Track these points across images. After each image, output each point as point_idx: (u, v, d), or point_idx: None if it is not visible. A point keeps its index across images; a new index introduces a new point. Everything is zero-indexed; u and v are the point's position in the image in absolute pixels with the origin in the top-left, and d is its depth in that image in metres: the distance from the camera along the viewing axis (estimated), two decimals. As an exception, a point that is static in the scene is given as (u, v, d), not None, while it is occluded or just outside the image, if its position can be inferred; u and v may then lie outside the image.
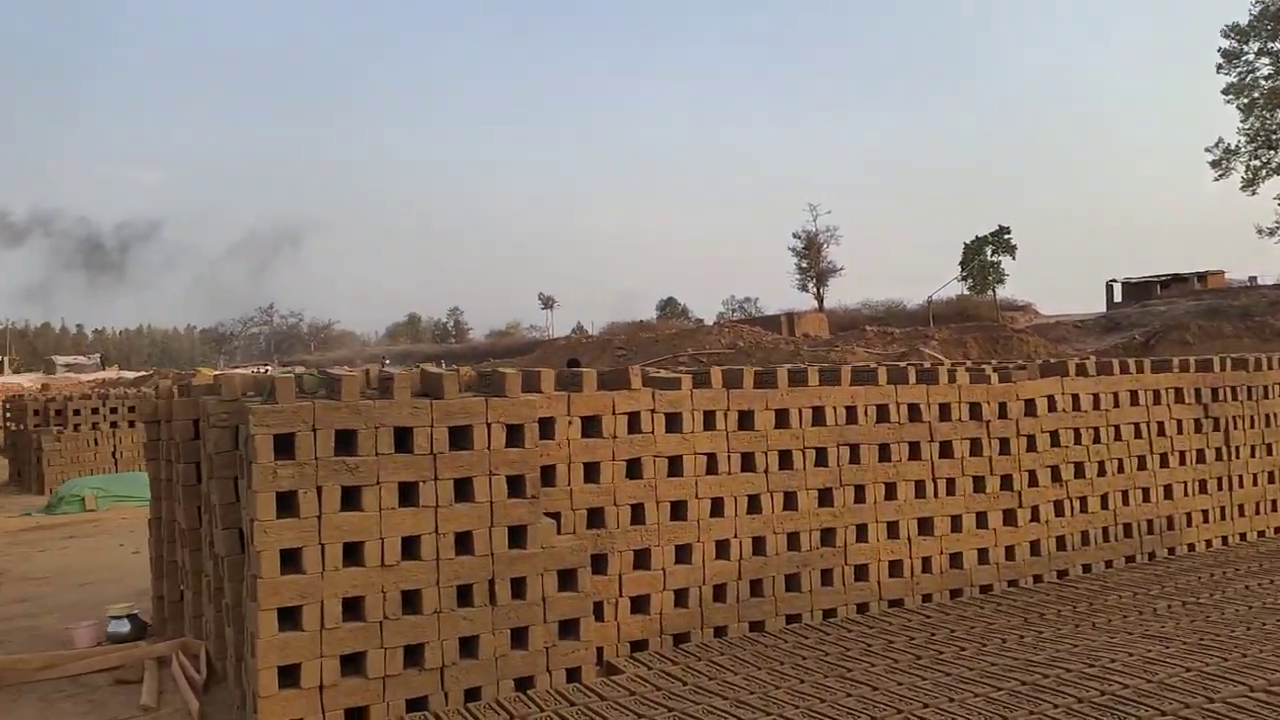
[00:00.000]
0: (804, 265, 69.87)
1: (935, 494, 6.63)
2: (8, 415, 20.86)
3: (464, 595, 4.79)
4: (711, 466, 5.93)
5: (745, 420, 6.09)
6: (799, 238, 70.15)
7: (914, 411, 6.64)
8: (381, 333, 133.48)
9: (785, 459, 6.17)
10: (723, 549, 5.91)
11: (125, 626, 6.24)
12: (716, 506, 5.92)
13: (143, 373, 57.81)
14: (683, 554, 5.79)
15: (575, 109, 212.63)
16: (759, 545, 6.03)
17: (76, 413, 17.41)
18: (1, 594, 8.21)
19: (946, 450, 6.71)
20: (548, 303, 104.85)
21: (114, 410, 17.73)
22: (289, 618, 4.42)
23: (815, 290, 69.45)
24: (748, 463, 6.05)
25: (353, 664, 4.54)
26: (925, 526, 6.59)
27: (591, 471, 5.57)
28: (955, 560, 6.65)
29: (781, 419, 6.19)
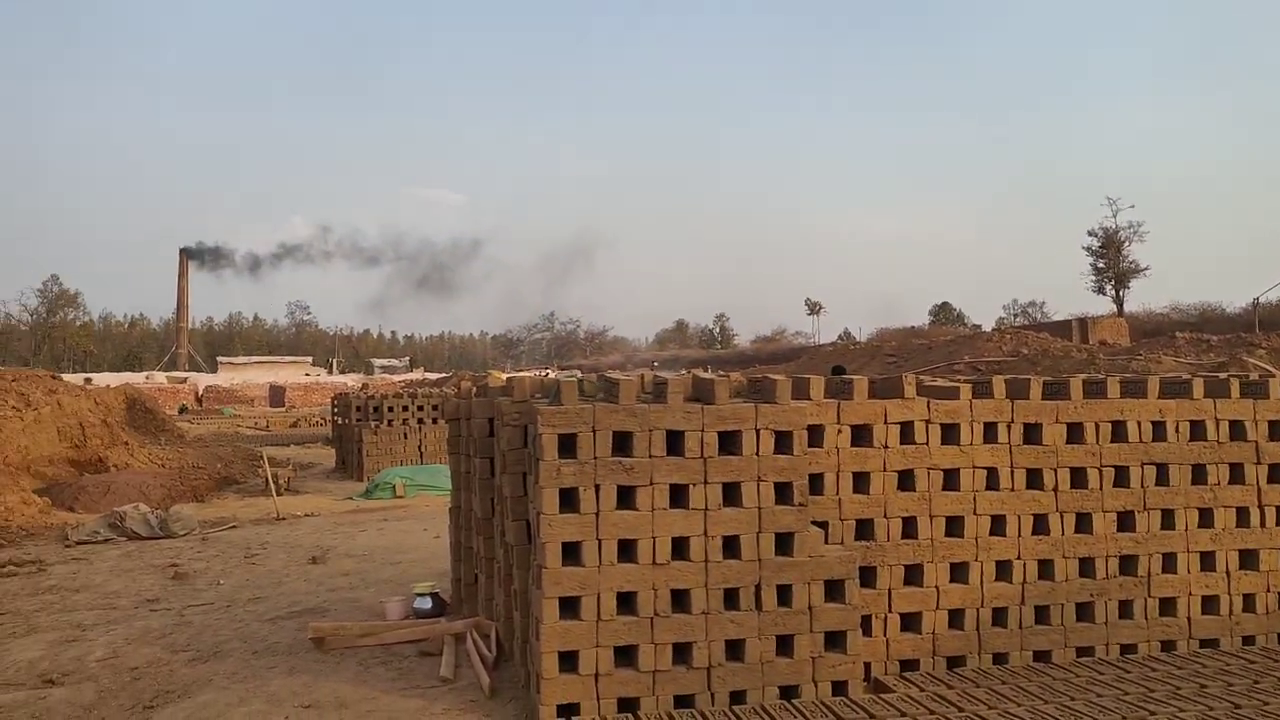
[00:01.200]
0: (1100, 265, 63.81)
1: (1262, 523, 5.82)
2: (335, 411, 23.87)
3: (731, 598, 4.85)
4: (992, 482, 5.58)
5: (1031, 434, 5.67)
6: (1095, 235, 64.17)
7: (1236, 429, 5.86)
8: (651, 339, 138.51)
9: (1078, 477, 5.67)
10: (1004, 570, 5.53)
11: (428, 603, 6.91)
12: (997, 525, 5.57)
13: (443, 375, 63.93)
14: (958, 573, 5.49)
15: (838, 107, 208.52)
16: (1045, 569, 5.59)
17: (390, 410, 19.56)
18: (330, 568, 9.40)
19: (1277, 474, 5.86)
20: (814, 308, 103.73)
21: (420, 408, 19.75)
22: (569, 607, 4.70)
23: (1114, 292, 63.17)
24: (1034, 479, 5.63)
25: (625, 656, 4.74)
26: (1248, 560, 5.80)
27: (861, 481, 5.43)
28: (1289, 601, 5.78)
29: (1074, 433, 5.70)
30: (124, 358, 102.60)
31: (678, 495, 4.90)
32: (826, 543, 5.20)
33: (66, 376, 35.32)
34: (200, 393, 61.74)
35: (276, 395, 63.19)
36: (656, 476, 4.84)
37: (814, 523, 5.14)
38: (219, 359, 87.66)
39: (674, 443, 4.93)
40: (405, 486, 15.74)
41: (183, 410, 50.54)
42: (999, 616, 5.49)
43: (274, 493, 14.99)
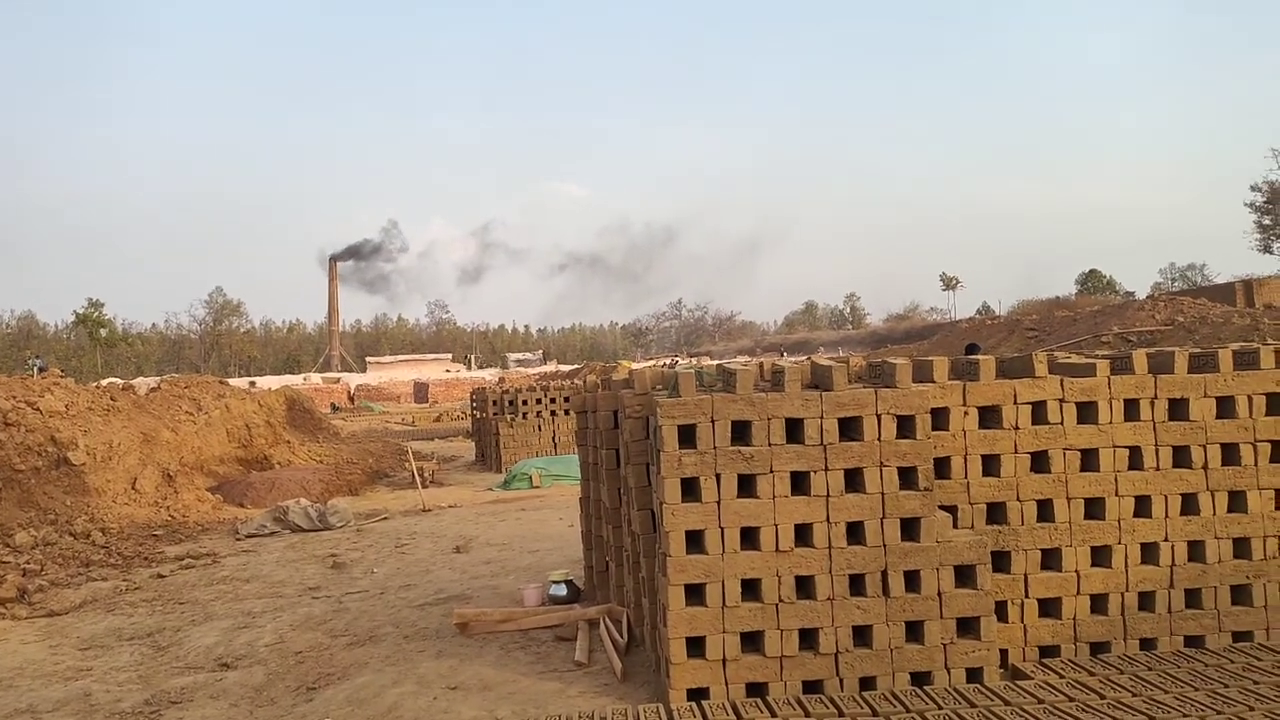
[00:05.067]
0: (1267, 222, 59.01)
1: None
2: (474, 405, 24.81)
3: (856, 584, 4.84)
4: (1135, 461, 5.33)
5: (1177, 410, 5.38)
6: (1259, 190, 59.36)
7: None
8: (780, 321, 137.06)
9: (1230, 454, 5.35)
10: (1149, 553, 5.29)
11: (563, 590, 7.16)
12: (1141, 506, 5.32)
13: (575, 366, 65.30)
14: (1099, 556, 5.28)
15: (969, 75, 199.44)
16: (1196, 551, 5.30)
17: (524, 403, 20.20)
18: (473, 556, 9.84)
19: None
20: (950, 283, 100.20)
21: (553, 400, 20.30)
22: (695, 594, 4.81)
23: (1283, 251, 58.40)
24: (1180, 458, 5.34)
25: (752, 642, 4.81)
26: None
27: (990, 464, 5.30)
28: None
29: (1225, 408, 5.37)
30: (284, 361, 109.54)
31: (799, 482, 4.91)
32: (955, 527, 5.10)
33: (233, 381, 37.97)
34: (352, 392, 65.19)
35: (420, 391, 66.05)
36: (776, 464, 4.87)
37: (941, 507, 5.05)
38: (368, 359, 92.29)
39: (793, 430, 4.94)
40: (541, 477, 16.23)
41: (335, 409, 53.53)
42: (1145, 601, 5.25)
43: (420, 485, 15.76)
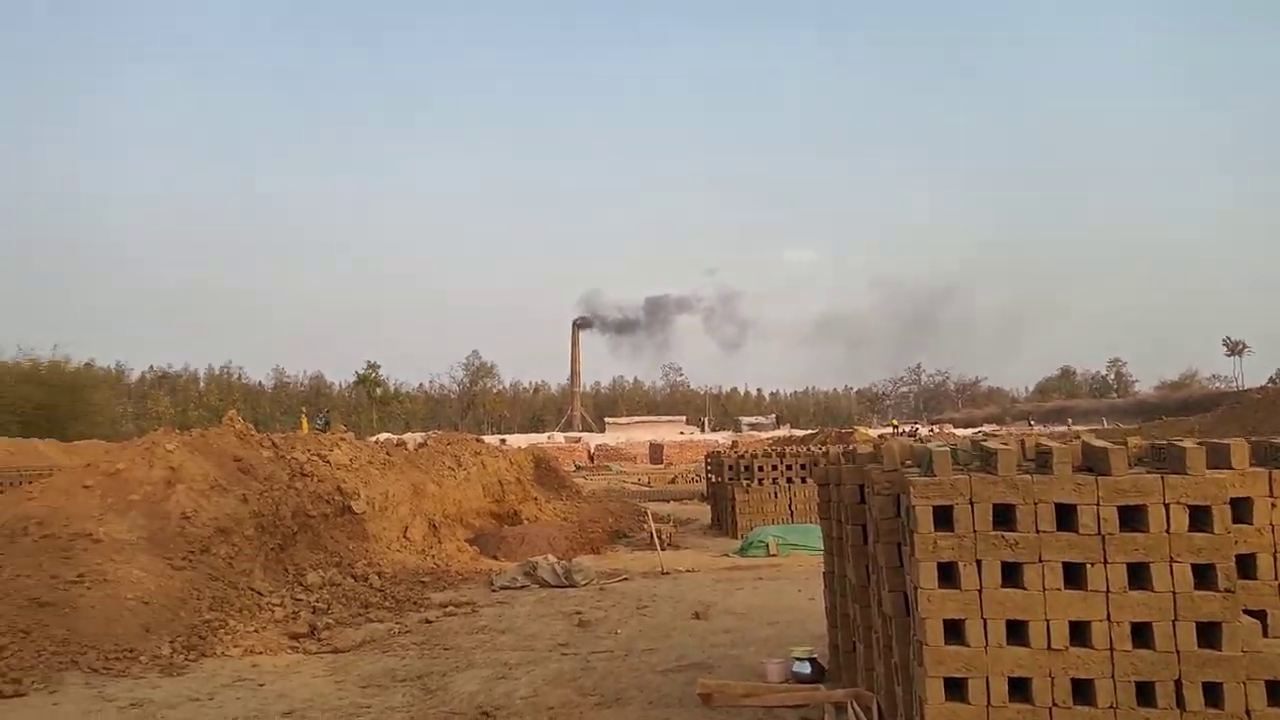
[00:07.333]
0: None
1: None
2: (708, 469, 25.05)
3: (1144, 693, 4.37)
4: None
5: None
6: None
7: None
8: (1031, 388, 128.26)
9: None
10: None
11: (806, 668, 7.00)
12: None
13: (809, 431, 64.29)
14: None
15: (1257, 129, 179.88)
16: None
17: (760, 469, 20.13)
18: (712, 624, 9.86)
19: None
20: (1235, 348, 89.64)
21: (789, 467, 20.09)
22: (955, 688, 4.53)
23: None
24: None
25: (1020, 746, 4.45)
26: None
27: (1307, 565, 4.64)
28: None
29: None
30: (530, 420, 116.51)
31: (1072, 574, 4.54)
32: (1265, 636, 4.50)
33: (486, 438, 40.78)
34: (592, 451, 67.92)
35: (656, 452, 67.57)
36: (1046, 554, 4.53)
37: (1247, 612, 4.48)
38: (606, 419, 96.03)
39: (1064, 516, 4.59)
40: (778, 545, 16.02)
41: (578, 467, 55.93)
42: None
43: (658, 547, 16.05)
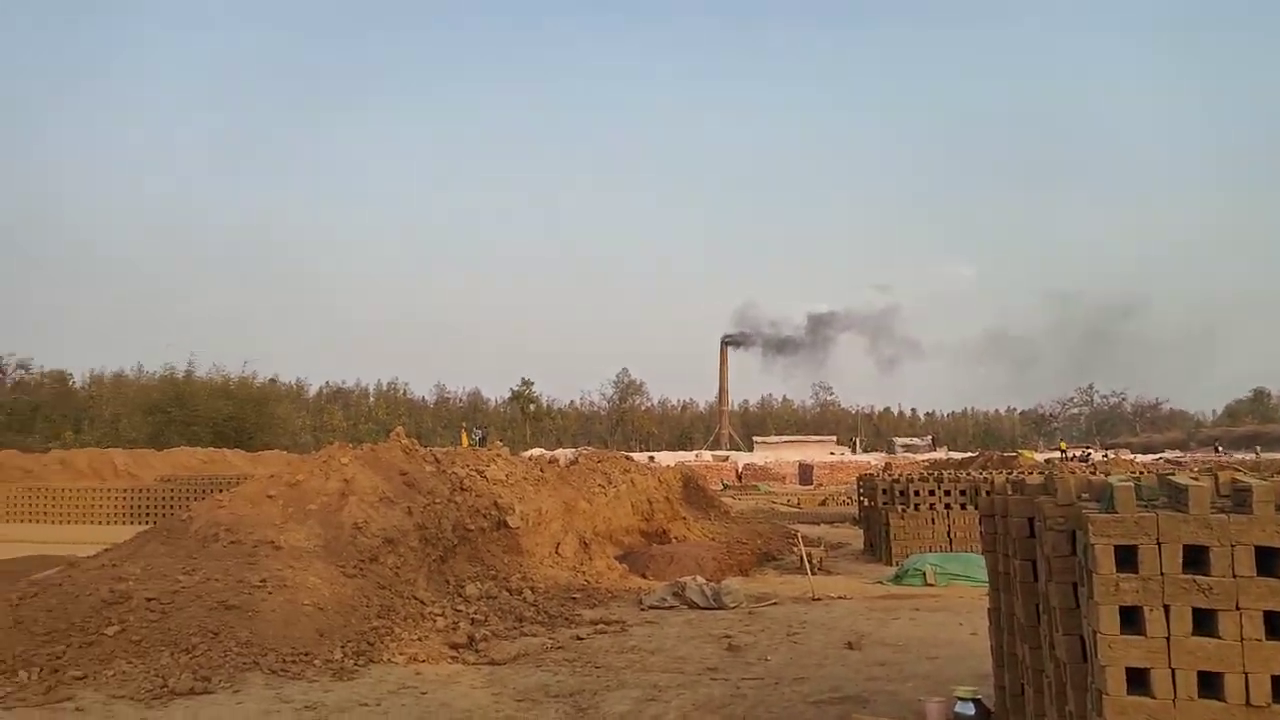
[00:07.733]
0: None
1: None
2: (861, 492, 24.38)
3: (1364, 763, 3.91)
4: None
5: None
6: None
7: None
8: (1219, 411, 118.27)
9: None
10: None
11: (970, 710, 6.65)
12: None
13: (969, 454, 61.56)
14: None
15: None
16: None
17: (916, 493, 19.40)
18: (866, 655, 9.55)
19: None
20: None
21: (947, 492, 19.26)
22: (1139, 743, 4.20)
23: None
24: None
25: (1216, 812, 4.07)
26: None
27: None
28: None
29: None
30: (678, 438, 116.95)
31: (1275, 623, 4.13)
32: None
33: (634, 455, 41.26)
34: (740, 470, 67.47)
35: (805, 473, 66.41)
36: (1244, 601, 4.14)
37: None
38: (754, 438, 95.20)
39: (1265, 560, 4.19)
40: (936, 574, 15.38)
41: (725, 486, 55.67)
42: None
43: (809, 572, 15.72)
